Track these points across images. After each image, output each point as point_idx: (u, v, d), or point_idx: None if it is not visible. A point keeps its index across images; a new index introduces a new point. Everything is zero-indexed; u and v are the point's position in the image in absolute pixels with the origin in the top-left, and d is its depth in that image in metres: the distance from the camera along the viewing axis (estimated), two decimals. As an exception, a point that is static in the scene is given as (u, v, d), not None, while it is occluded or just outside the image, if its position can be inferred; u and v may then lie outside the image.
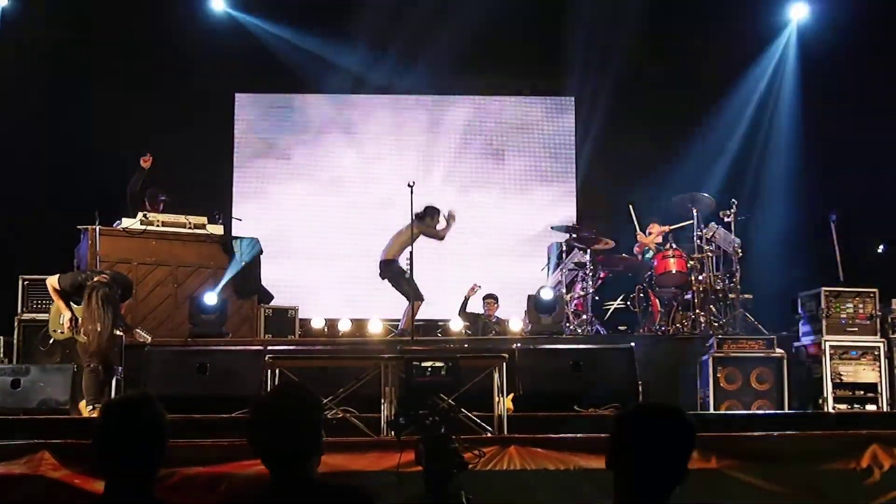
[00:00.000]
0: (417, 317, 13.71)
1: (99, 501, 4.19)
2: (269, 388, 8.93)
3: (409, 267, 13.73)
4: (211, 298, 13.36)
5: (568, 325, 14.43)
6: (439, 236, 14.44)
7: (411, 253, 13.58)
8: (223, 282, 13.76)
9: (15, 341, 11.72)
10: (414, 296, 13.94)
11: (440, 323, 17.13)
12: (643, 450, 3.74)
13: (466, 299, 16.43)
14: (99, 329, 10.25)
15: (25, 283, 11.81)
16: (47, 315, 11.08)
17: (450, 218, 14.53)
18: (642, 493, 3.73)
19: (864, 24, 17.04)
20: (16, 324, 11.75)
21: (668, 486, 3.74)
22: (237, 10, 18.62)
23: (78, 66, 17.31)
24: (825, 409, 11.35)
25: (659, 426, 3.78)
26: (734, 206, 14.23)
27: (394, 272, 14.17)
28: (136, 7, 17.82)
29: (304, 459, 4.16)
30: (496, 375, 8.98)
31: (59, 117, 17.16)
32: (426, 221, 14.21)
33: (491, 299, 16.45)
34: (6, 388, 9.68)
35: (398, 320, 15.20)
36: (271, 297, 15.41)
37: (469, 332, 16.44)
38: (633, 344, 10.87)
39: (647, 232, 15.25)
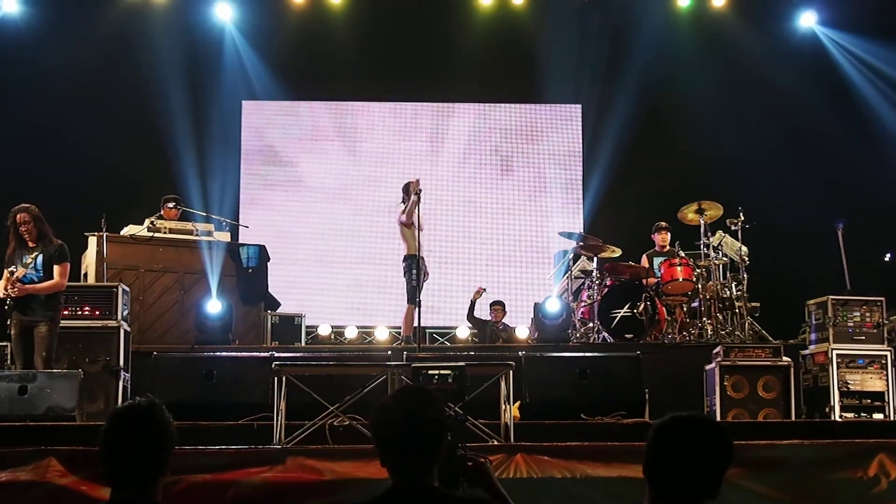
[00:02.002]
0: (423, 323, 13.66)
1: (104, 508, 4.20)
2: (276, 395, 8.91)
3: (413, 265, 13.77)
4: (214, 306, 13.37)
5: (574, 332, 14.43)
6: (407, 212, 14.30)
7: (414, 255, 13.70)
8: (214, 287, 13.75)
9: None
10: (408, 298, 13.99)
11: (447, 330, 17.21)
12: (679, 459, 3.75)
13: (473, 303, 16.40)
14: None
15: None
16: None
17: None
18: (675, 502, 3.74)
19: (875, 27, 17.15)
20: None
21: (701, 498, 3.74)
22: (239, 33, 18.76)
23: (84, 73, 17.33)
24: (832, 418, 11.32)
25: (697, 437, 3.78)
26: (741, 214, 14.23)
27: (403, 268, 14.20)
28: (143, 17, 17.91)
29: (424, 466, 4.08)
30: (503, 383, 8.96)
31: (65, 124, 17.19)
32: (403, 199, 14.26)
33: (498, 306, 16.43)
34: (13, 394, 9.66)
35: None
36: (278, 304, 15.43)
37: (476, 338, 16.46)
38: (639, 352, 10.84)
39: (657, 240, 15.18)
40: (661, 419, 3.88)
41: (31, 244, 10.66)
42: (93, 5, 18.01)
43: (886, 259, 14.22)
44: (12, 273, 10.57)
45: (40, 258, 10.65)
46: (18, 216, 10.65)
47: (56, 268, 10.70)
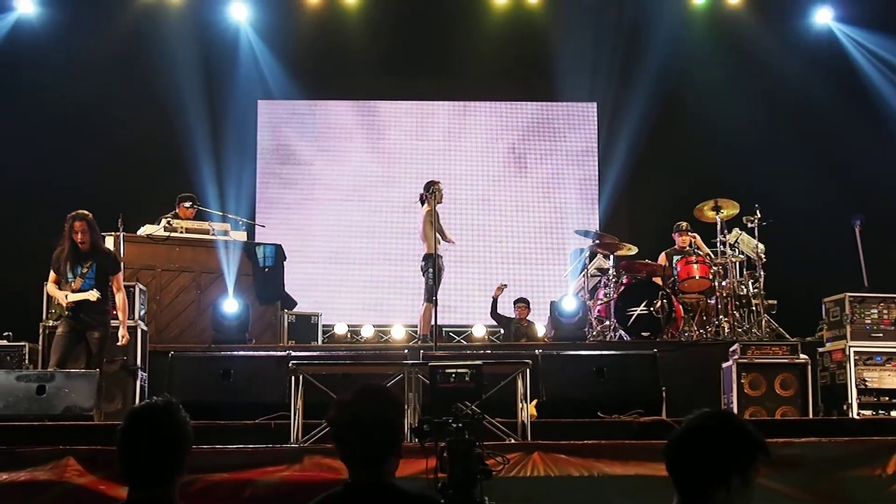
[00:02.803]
0: (439, 322, 13.63)
1: (121, 507, 4.22)
2: (292, 395, 8.93)
3: (430, 264, 13.77)
4: (231, 305, 13.38)
5: (591, 331, 14.42)
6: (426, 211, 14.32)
7: (432, 255, 13.70)
8: (230, 286, 13.76)
9: (40, 348, 11.73)
10: (425, 297, 13.98)
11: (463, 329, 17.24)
12: (693, 447, 3.77)
13: (495, 300, 16.41)
14: None
15: (50, 289, 11.82)
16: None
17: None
18: (684, 494, 3.76)
19: (892, 23, 17.14)
20: (41, 330, 11.76)
21: (706, 488, 3.75)
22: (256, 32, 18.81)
23: (99, 74, 17.36)
24: (850, 415, 11.29)
25: (714, 428, 3.81)
26: (758, 212, 14.20)
27: (422, 267, 14.18)
28: (158, 17, 17.95)
29: (380, 461, 4.20)
30: (520, 381, 8.96)
31: (80, 124, 17.24)
32: (426, 197, 14.20)
33: (522, 303, 16.42)
34: (31, 394, 9.70)
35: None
36: (294, 304, 15.43)
37: (501, 335, 16.48)
38: (656, 350, 10.83)
39: (679, 241, 15.12)
40: (688, 417, 3.91)
41: (83, 251, 10.66)
42: (108, 5, 18.05)
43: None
44: (67, 281, 10.59)
45: (94, 267, 10.67)
46: (77, 223, 10.62)
47: (114, 279, 10.77)
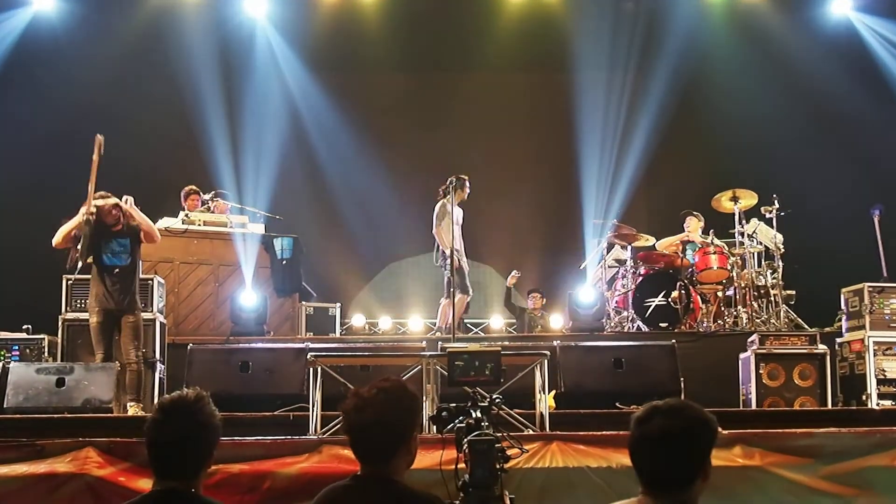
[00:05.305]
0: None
1: (147, 498, 4.22)
2: (311, 386, 8.95)
3: (449, 258, 13.75)
4: (249, 298, 13.40)
5: (609, 322, 14.40)
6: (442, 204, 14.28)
7: (452, 248, 13.67)
8: (248, 279, 13.78)
9: (59, 340, 11.76)
10: (446, 292, 13.95)
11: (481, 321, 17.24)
12: (648, 448, 3.76)
13: (508, 289, 16.42)
14: None
15: (69, 282, 11.84)
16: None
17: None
18: (657, 490, 3.74)
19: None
20: (60, 323, 11.79)
21: (682, 484, 3.73)
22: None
23: (118, 67, 17.39)
24: (869, 406, 11.27)
25: (661, 425, 3.79)
26: (776, 202, 14.16)
27: (440, 261, 14.17)
28: (176, 11, 17.99)
29: (387, 457, 4.24)
30: (538, 373, 8.97)
31: (98, 118, 17.25)
32: (447, 191, 14.14)
33: (536, 293, 16.44)
34: (51, 386, 9.76)
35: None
36: (312, 296, 15.44)
37: (515, 325, 16.49)
38: (674, 341, 10.83)
39: (686, 227, 15.12)
40: (640, 410, 3.90)
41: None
42: (124, 0, 18.12)
43: None
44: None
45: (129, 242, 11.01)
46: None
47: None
